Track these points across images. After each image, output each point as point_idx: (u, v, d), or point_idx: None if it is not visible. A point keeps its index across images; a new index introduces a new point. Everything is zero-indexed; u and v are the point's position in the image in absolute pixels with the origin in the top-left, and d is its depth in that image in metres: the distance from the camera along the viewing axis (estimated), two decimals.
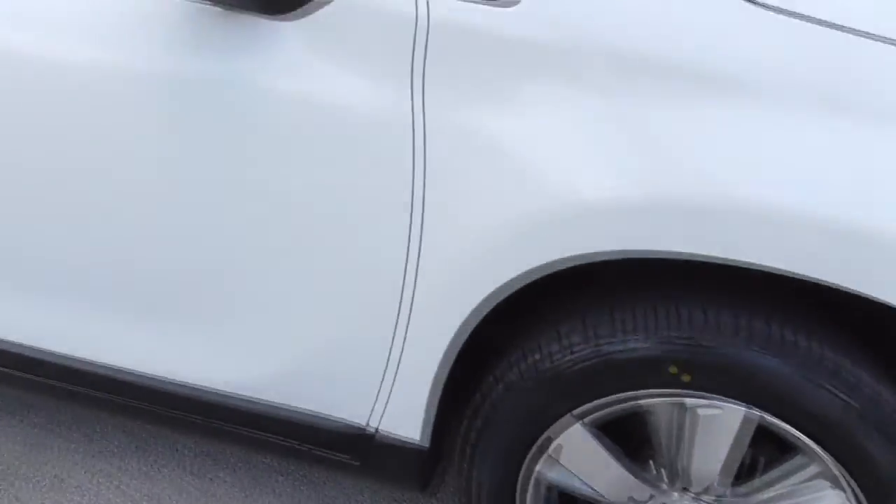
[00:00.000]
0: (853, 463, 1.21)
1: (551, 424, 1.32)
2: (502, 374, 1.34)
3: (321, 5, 1.23)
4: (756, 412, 1.21)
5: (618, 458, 1.34)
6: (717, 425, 1.24)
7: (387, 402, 1.41)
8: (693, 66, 1.13)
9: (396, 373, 1.37)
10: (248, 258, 1.37)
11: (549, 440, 1.34)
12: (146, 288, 1.45)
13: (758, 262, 1.12)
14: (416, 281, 1.29)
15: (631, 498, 1.37)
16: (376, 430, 1.44)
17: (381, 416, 1.43)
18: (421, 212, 1.25)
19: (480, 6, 1.17)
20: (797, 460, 1.26)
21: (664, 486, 1.35)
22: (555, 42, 1.15)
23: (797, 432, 1.21)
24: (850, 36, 1.11)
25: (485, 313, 1.27)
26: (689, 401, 1.23)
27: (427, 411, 1.39)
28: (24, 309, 1.54)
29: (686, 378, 1.20)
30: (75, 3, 1.32)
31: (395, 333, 1.34)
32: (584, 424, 1.31)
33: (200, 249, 1.39)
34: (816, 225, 1.08)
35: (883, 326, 1.22)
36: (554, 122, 1.17)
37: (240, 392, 1.48)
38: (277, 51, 1.26)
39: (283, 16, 1.25)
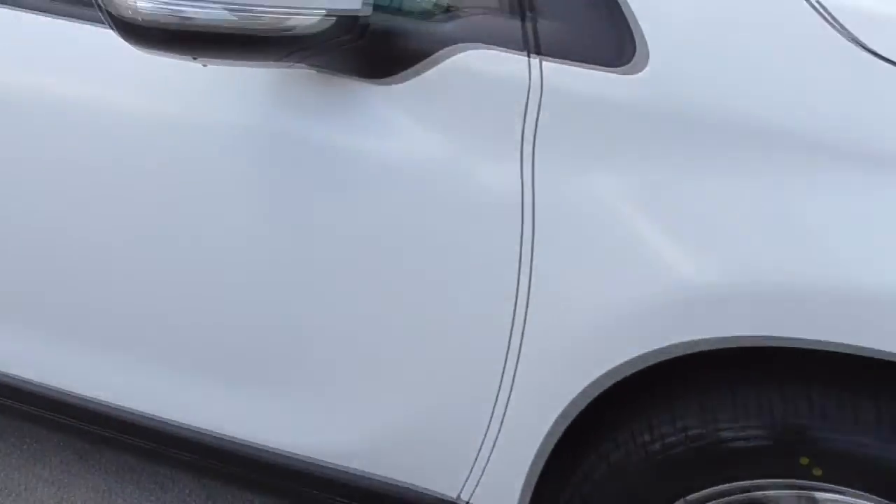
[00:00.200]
0: None
1: None
2: (607, 453, 1.26)
3: (425, 69, 1.16)
4: None
5: None
6: None
7: (481, 475, 1.34)
8: (832, 138, 1.04)
9: (494, 446, 1.30)
10: (346, 325, 1.30)
11: None
12: (240, 352, 1.39)
13: None
14: (518, 357, 1.21)
15: None
16: (467, 503, 1.37)
17: (474, 489, 1.36)
18: (528, 283, 1.17)
19: (601, 72, 1.09)
20: None
21: None
22: (682, 113, 1.07)
23: None
24: None
25: (594, 396, 1.19)
26: (819, 495, 1.14)
27: (524, 488, 1.32)
28: (113, 368, 1.50)
29: (818, 472, 1.11)
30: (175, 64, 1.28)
31: (495, 406, 1.27)
32: None
33: (297, 314, 1.33)
34: None
35: None
36: (675, 197, 1.09)
37: (327, 459, 1.42)
38: (378, 116, 1.20)
39: (384, 80, 1.19)
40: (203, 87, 1.27)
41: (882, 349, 1.03)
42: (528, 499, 1.34)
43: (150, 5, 1.04)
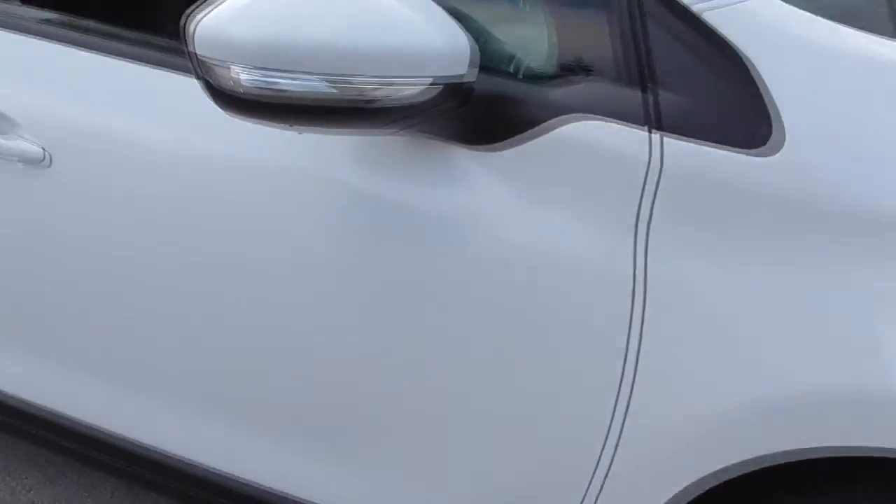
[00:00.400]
0: None
1: None
2: None
3: (532, 137, 1.08)
4: None
5: None
6: None
7: None
8: None
9: None
10: (444, 398, 1.23)
11: None
12: (341, 422, 1.32)
13: None
14: (615, 451, 1.13)
15: None
16: None
17: None
18: (634, 370, 1.09)
19: (729, 153, 1.00)
20: None
21: None
22: (814, 202, 0.98)
23: None
24: None
25: (696, 495, 1.11)
26: None
27: None
28: (213, 431, 1.44)
29: None
30: None
31: (591, 483, 1.19)
32: None
33: (395, 385, 1.25)
34: None
35: None
36: (796, 292, 1.00)
37: None
38: (478, 183, 1.12)
39: (487, 146, 1.10)
40: (291, 141, 1.19)
41: None
42: None
43: (252, 78, 0.97)
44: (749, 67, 1.00)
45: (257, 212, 1.26)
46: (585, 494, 1.19)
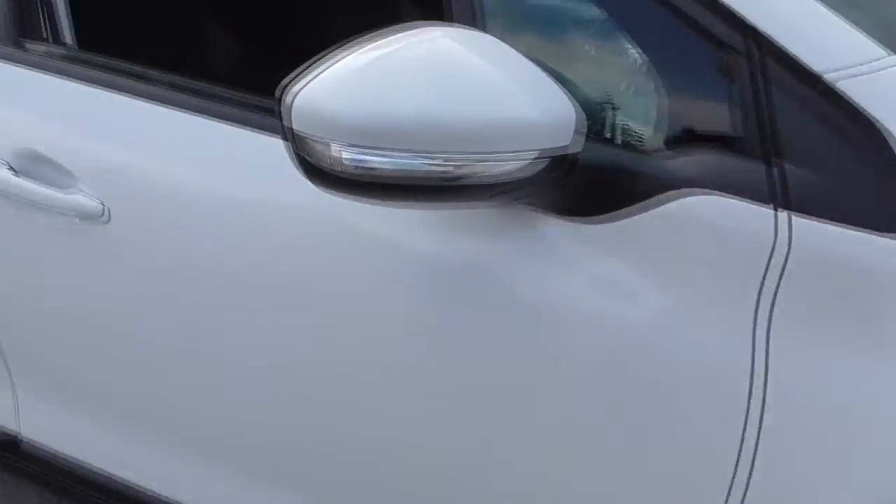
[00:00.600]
0: None
1: None
2: None
3: (641, 211, 0.98)
4: None
5: None
6: None
7: None
8: None
9: None
10: (528, 482, 1.14)
11: None
12: None
13: None
14: None
15: None
16: None
17: None
18: (749, 468, 0.99)
19: (864, 235, 0.90)
20: None
21: None
22: None
23: None
24: None
25: None
26: None
27: None
28: None
29: None
30: None
31: None
32: None
33: (506, 474, 1.15)
34: None
35: None
36: None
37: None
38: (578, 257, 1.03)
39: (589, 218, 1.02)
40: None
41: None
42: None
43: (354, 157, 0.89)
44: (889, 140, 0.91)
45: (331, 271, 1.17)
46: None
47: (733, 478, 0.99)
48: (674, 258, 0.99)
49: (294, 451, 1.30)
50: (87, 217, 1.32)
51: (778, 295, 0.95)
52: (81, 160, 1.33)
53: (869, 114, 0.91)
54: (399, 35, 0.94)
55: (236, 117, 1.24)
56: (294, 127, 0.92)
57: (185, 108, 1.27)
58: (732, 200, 0.95)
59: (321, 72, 0.91)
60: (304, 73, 0.92)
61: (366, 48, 0.92)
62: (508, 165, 0.93)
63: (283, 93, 0.92)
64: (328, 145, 0.89)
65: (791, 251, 0.93)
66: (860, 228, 0.91)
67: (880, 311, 0.92)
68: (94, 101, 1.32)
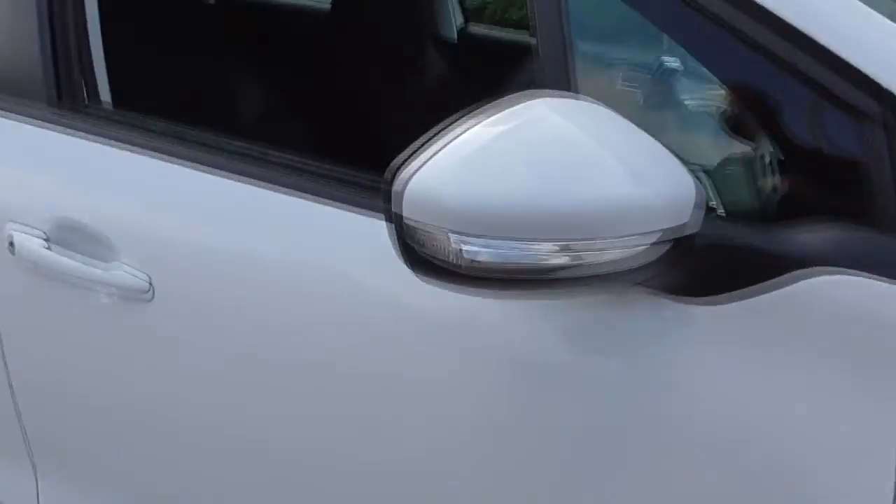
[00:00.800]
0: None
1: None
2: None
3: (763, 291, 0.91)
4: None
5: None
6: None
7: None
8: None
9: None
10: None
11: None
12: None
13: None
14: None
15: None
16: None
17: None
18: None
19: None
20: None
21: None
22: None
23: None
24: None
25: None
26: None
27: None
28: None
29: None
30: None
31: None
32: None
33: None
34: None
35: None
36: None
37: None
38: (689, 341, 0.96)
39: (704, 299, 0.94)
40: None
41: None
42: None
43: (476, 249, 0.81)
44: None
45: (400, 359, 1.09)
46: None
47: None
48: (803, 342, 0.91)
49: None
50: (130, 294, 1.22)
51: None
52: (124, 231, 1.23)
53: None
54: (509, 111, 0.86)
55: (292, 184, 1.15)
56: (405, 214, 0.83)
57: (233, 173, 1.18)
58: (869, 281, 0.88)
59: (432, 156, 0.83)
60: (414, 155, 0.84)
61: (476, 127, 0.84)
62: (632, 252, 0.86)
63: (393, 178, 0.84)
64: (446, 237, 0.81)
65: None
66: None
67: None
68: (139, 166, 1.23)
